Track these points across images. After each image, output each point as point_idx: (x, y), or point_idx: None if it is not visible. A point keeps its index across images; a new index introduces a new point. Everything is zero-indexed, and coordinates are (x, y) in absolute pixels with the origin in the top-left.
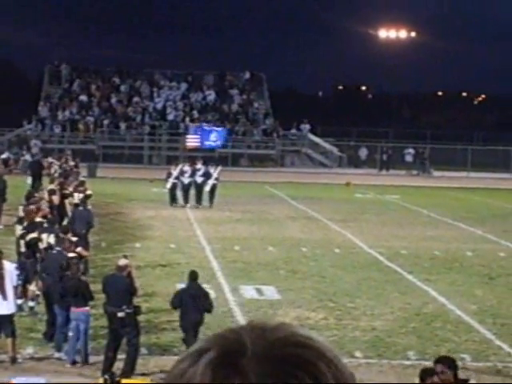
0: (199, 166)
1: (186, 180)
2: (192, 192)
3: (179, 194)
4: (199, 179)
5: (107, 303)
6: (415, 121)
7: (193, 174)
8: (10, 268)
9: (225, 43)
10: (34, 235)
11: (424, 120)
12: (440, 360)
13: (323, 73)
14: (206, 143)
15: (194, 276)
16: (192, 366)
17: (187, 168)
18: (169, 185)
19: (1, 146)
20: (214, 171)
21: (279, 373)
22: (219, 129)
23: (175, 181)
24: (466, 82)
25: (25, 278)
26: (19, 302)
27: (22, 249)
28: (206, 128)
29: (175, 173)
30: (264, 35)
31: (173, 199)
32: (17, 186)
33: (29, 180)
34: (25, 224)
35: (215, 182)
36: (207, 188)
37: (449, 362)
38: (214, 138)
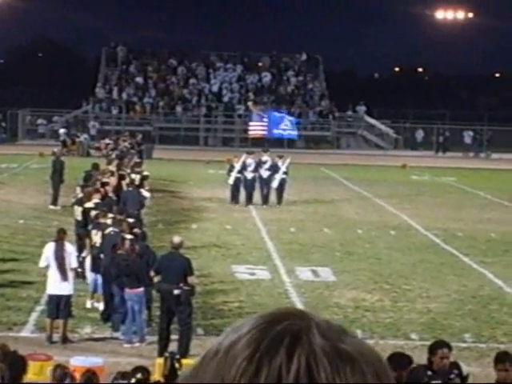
0: (265, 157)
1: (249, 175)
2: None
3: (242, 191)
4: (265, 173)
5: (162, 281)
6: (472, 103)
7: (257, 168)
8: (71, 250)
9: (281, 25)
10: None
11: (481, 102)
12: (444, 344)
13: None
14: (275, 132)
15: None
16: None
17: (250, 160)
18: (231, 180)
19: (59, 127)
20: (283, 164)
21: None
22: (290, 117)
23: (238, 175)
24: None
25: None
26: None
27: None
28: (276, 114)
29: (238, 166)
30: (320, 17)
31: (234, 197)
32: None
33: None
34: (92, 204)
35: (284, 176)
36: (275, 184)
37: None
38: (286, 126)
